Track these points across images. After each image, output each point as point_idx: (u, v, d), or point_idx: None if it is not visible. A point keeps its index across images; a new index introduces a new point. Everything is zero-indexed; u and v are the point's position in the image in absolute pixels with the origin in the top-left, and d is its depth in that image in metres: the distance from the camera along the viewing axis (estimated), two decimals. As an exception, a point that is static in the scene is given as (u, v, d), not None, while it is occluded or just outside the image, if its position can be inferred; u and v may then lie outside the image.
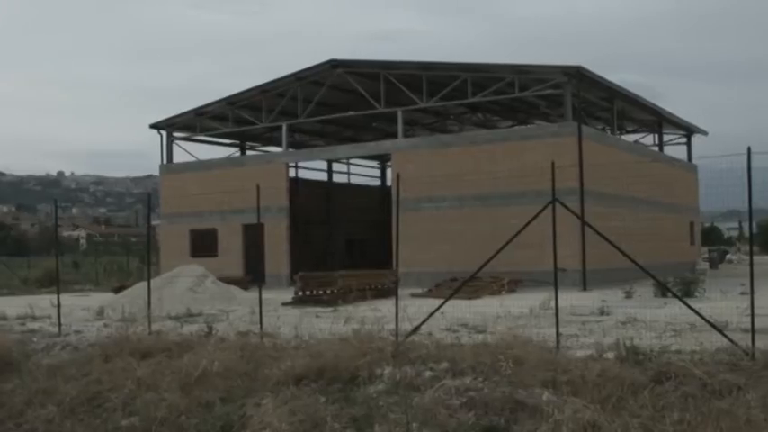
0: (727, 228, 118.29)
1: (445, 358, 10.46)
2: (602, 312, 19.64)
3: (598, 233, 13.26)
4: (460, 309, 19.21)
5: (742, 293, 21.82)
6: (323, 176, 52.92)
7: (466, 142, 36.19)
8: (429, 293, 27.11)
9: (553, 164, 13.29)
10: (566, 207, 12.90)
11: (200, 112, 42.66)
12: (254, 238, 37.69)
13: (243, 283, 31.94)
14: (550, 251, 13.35)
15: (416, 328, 12.82)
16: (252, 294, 25.32)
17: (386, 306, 18.97)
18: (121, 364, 11.86)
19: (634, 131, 49.19)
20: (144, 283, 20.59)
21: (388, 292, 25.77)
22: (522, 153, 32.28)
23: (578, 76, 33.08)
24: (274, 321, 16.60)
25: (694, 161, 48.91)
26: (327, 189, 52.39)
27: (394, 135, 38.39)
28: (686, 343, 12.34)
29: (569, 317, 18.24)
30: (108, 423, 9.88)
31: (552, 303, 13.49)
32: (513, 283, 29.44)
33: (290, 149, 42.36)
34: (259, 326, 15.06)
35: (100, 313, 22.61)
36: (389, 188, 45.45)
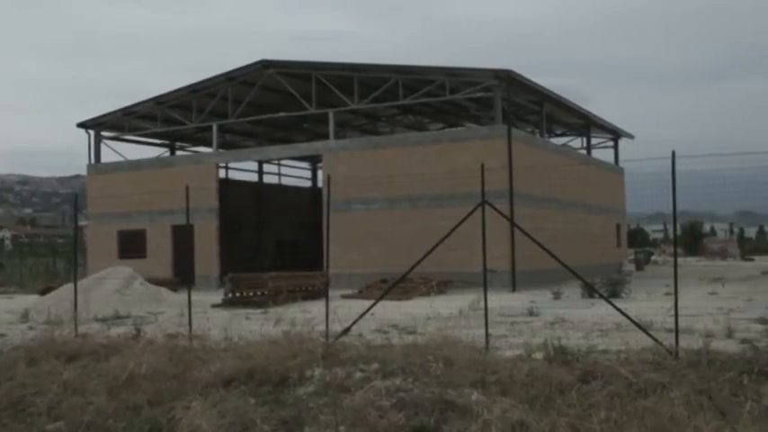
0: (653, 230, 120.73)
1: (375, 359, 10.47)
2: (530, 313, 19.86)
3: (527, 234, 13.39)
4: (391, 310, 19.27)
5: (666, 294, 22.26)
6: (254, 177, 52.61)
7: (397, 144, 36.31)
8: (360, 295, 27.13)
9: (483, 166, 13.38)
10: (495, 209, 13.01)
11: (128, 112, 42.10)
12: (183, 239, 37.29)
13: (172, 285, 31.60)
14: (480, 252, 13.44)
15: (347, 330, 12.82)
16: (181, 296, 25.03)
17: (316, 307, 18.92)
18: (47, 368, 11.63)
19: (563, 134, 49.83)
20: (71, 285, 20.26)
21: (319, 293, 25.73)
22: (453, 155, 32.46)
23: (508, 79, 33.40)
24: (204, 323, 16.46)
25: (621, 164, 49.77)
26: (258, 190, 52.10)
27: (325, 136, 38.33)
28: (612, 343, 12.54)
29: (499, 317, 18.41)
30: (33, 428, 9.68)
31: (482, 304, 13.59)
32: (444, 285, 29.61)
33: (221, 150, 42.08)
34: (188, 328, 14.92)
35: (25, 316, 22.20)
36: (320, 189, 45.35)
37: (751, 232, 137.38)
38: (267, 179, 53.93)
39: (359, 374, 9.92)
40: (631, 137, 51.09)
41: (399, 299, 24.61)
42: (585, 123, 46.05)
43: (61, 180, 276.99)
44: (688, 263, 58.78)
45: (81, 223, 41.67)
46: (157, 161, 43.58)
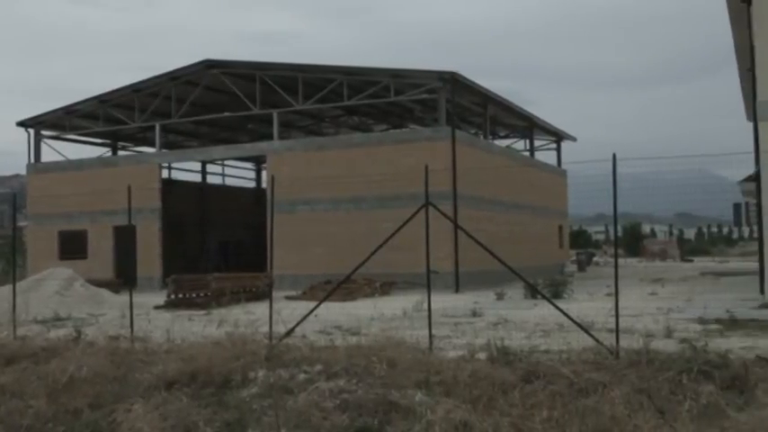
0: (595, 231, 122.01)
1: (319, 361, 10.44)
2: (474, 314, 19.96)
3: (470, 236, 13.46)
4: (335, 311, 19.24)
5: (607, 294, 22.51)
6: (197, 178, 52.22)
7: (342, 145, 36.31)
8: (303, 296, 27.07)
9: (427, 167, 13.44)
10: (438, 210, 13.05)
11: (69, 111, 41.55)
12: (125, 239, 36.89)
13: (113, 286, 31.24)
14: (424, 253, 13.49)
15: (290, 331, 12.77)
16: (123, 298, 24.78)
17: (260, 309, 18.83)
18: (-16, 371, 11.42)
19: (506, 136, 50.21)
20: (9, 287, 19.88)
21: (263, 294, 25.63)
22: (397, 156, 32.54)
23: (453, 81, 33.56)
24: (146, 325, 16.28)
25: (563, 166, 50.32)
26: (202, 190, 51.75)
27: (269, 137, 38.18)
28: (554, 343, 12.65)
29: (442, 318, 18.49)
30: (-31, 432, 9.51)
31: (425, 305, 13.63)
32: (388, 286, 29.65)
33: (164, 150, 41.69)
34: (130, 330, 14.76)
35: (-39, 318, 21.75)
36: (264, 190, 45.23)
37: (690, 234, 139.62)
38: (211, 180, 53.60)
39: (302, 376, 9.89)
40: (574, 139, 51.64)
41: (343, 300, 24.58)
42: (529, 126, 46.45)
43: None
44: (629, 264, 59.55)
45: (20, 224, 40.98)
46: (99, 161, 43.02)
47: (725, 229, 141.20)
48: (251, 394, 9.49)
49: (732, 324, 16.43)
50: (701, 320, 17.21)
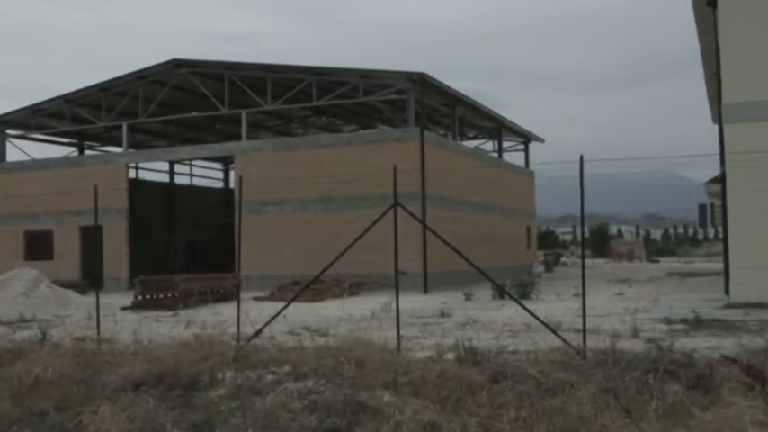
0: (562, 232, 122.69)
1: (287, 361, 10.41)
2: (442, 314, 20.01)
3: (438, 237, 13.48)
4: (303, 312, 19.23)
5: (575, 295, 22.67)
6: (165, 178, 51.96)
7: (310, 145, 36.26)
8: (272, 297, 26.99)
9: (395, 168, 13.44)
10: (407, 211, 13.06)
11: (35, 110, 41.16)
12: (92, 240, 36.66)
13: (80, 287, 30.98)
14: (393, 254, 13.49)
15: (258, 332, 12.73)
16: (89, 299, 24.59)
17: (228, 310, 18.76)
18: (-53, 373, 11.28)
19: (475, 137, 50.35)
20: (-27, 288, 19.71)
21: (231, 295, 25.54)
22: (366, 157, 32.54)
23: (422, 82, 33.61)
24: (113, 326, 16.18)
25: (531, 167, 50.54)
26: (169, 191, 51.49)
27: (238, 137, 38.06)
28: (522, 343, 12.71)
29: (411, 319, 18.51)
30: (-68, 436, 9.39)
31: (394, 306, 13.64)
32: (356, 286, 29.65)
33: (131, 150, 41.41)
34: (96, 331, 14.64)
35: (-76, 320, 21.50)
36: (233, 190, 45.03)
37: (656, 234, 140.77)
38: (179, 180, 53.35)
39: (270, 377, 9.86)
40: (541, 140, 51.89)
41: (312, 301, 24.57)
42: (497, 127, 46.62)
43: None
44: (596, 264, 59.94)
45: (-15, 224, 40.61)
46: (65, 161, 42.66)
47: (690, 230, 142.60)
48: (219, 395, 9.44)
49: (697, 324, 16.58)
50: (667, 320, 17.36)
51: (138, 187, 44.01)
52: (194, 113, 39.97)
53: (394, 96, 35.01)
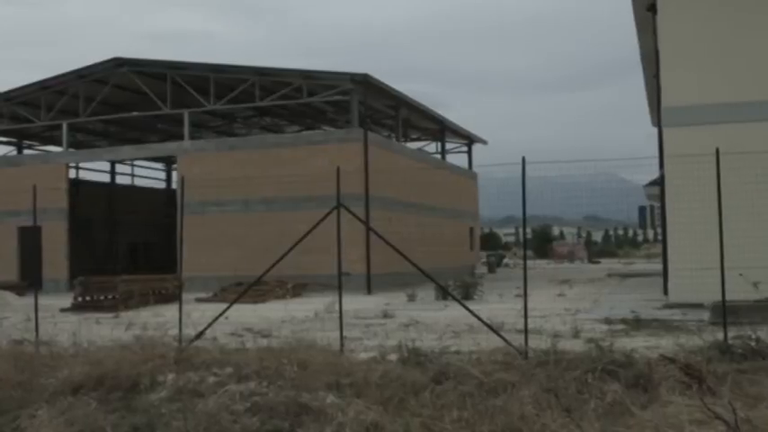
0: (505, 233, 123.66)
1: (230, 363, 10.36)
2: (385, 315, 20.04)
3: (381, 238, 13.52)
4: (246, 313, 19.13)
5: (517, 296, 22.84)
6: (106, 178, 51.35)
7: (253, 146, 36.12)
8: (214, 298, 26.81)
9: (338, 169, 13.45)
10: (350, 212, 13.07)
11: (-28, 108, 40.38)
12: (30, 241, 36.04)
13: (18, 289, 30.51)
14: (336, 255, 13.49)
15: (200, 334, 12.64)
16: (28, 300, 24.15)
17: (169, 311, 18.60)
18: None
19: (418, 139, 50.52)
20: None
21: (173, 296, 25.30)
22: (310, 158, 32.48)
23: (365, 83, 33.64)
24: (52, 328, 15.91)
25: (475, 169, 50.84)
26: (110, 191, 50.92)
27: (180, 137, 37.73)
28: (465, 344, 12.78)
29: (354, 320, 18.52)
30: None
31: (337, 307, 13.64)
32: (300, 287, 29.58)
33: (71, 149, 40.84)
34: (35, 333, 14.41)
35: None
36: (175, 191, 44.65)
37: (598, 236, 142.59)
38: (120, 180, 52.75)
39: (212, 379, 9.79)
40: (484, 142, 52.22)
41: (255, 302, 24.46)
42: (440, 128, 46.81)
43: None
44: (538, 265, 60.45)
45: None
46: (4, 160, 41.91)
47: (631, 232, 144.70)
48: (160, 398, 9.35)
49: (637, 324, 16.81)
50: (607, 321, 17.57)
51: (78, 187, 43.44)
52: (136, 113, 39.55)
53: (337, 97, 34.98)
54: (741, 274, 11.76)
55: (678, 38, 21.95)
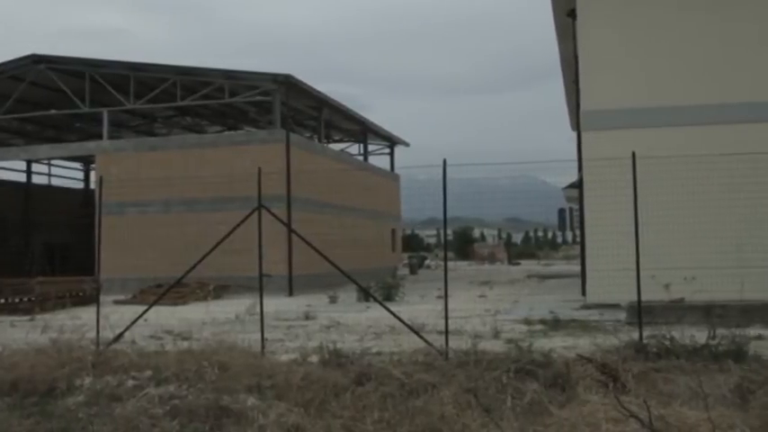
0: (427, 235, 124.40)
1: (149, 366, 10.24)
2: (307, 317, 20.01)
3: (303, 239, 13.49)
4: (166, 315, 18.92)
5: (438, 297, 22.99)
6: (22, 177, 50.27)
7: (174, 146, 35.70)
8: (133, 300, 26.47)
9: (260, 170, 13.39)
10: (271, 213, 13.03)
11: None
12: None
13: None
14: (257, 257, 13.43)
15: (118, 336, 12.47)
16: (-62, 303, 23.59)
17: (87, 314, 18.27)
18: None
19: (341, 140, 50.54)
20: None
21: (90, 299, 24.84)
22: (231, 158, 32.23)
23: (288, 83, 33.53)
24: (-36, 332, 15.55)
25: (397, 171, 51.02)
26: (26, 191, 49.86)
27: (99, 136, 37.11)
28: (386, 345, 12.84)
29: (275, 322, 18.47)
30: None
31: (258, 308, 13.58)
32: (221, 289, 29.36)
33: (-15, 148, 39.87)
34: (-55, 337, 14.05)
35: None
36: (93, 191, 43.91)
37: (518, 237, 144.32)
38: (37, 180, 51.67)
39: (131, 382, 9.67)
40: (407, 144, 52.44)
41: (175, 304, 24.21)
42: (363, 130, 46.89)
43: None
44: (459, 267, 60.92)
45: None
46: None
47: (550, 234, 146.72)
48: (77, 402, 9.20)
49: (555, 324, 17.07)
50: (527, 321, 17.81)
51: (-8, 187, 42.45)
52: (54, 111, 38.76)
53: (260, 98, 34.81)
54: (654, 276, 12.02)
55: (597, 43, 22.35)
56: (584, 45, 22.72)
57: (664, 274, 13.10)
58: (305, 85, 34.92)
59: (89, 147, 38.74)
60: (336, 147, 48.95)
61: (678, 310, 15.62)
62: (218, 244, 12.66)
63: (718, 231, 20.28)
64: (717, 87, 21.42)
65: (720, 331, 11.03)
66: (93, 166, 47.58)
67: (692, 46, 21.73)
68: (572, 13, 23.79)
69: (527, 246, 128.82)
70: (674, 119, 21.37)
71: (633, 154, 12.30)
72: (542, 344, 12.36)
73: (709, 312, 15.12)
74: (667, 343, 10.76)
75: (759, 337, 13.45)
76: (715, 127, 21.00)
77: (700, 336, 10.89)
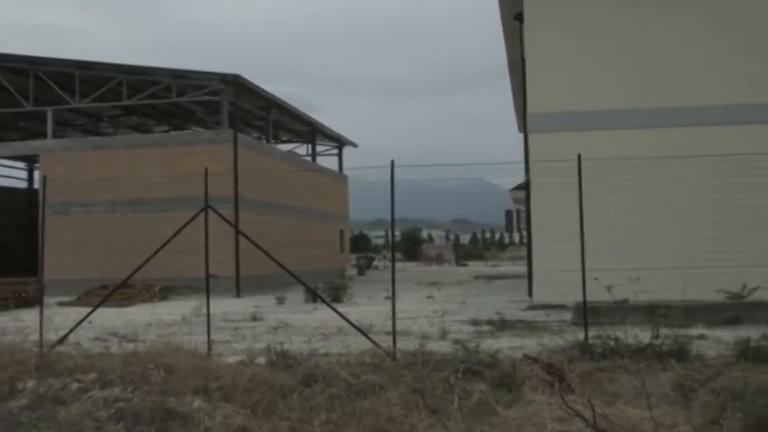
0: (375, 236, 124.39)
1: (93, 369, 10.12)
2: (254, 318, 19.94)
3: (250, 240, 13.44)
4: (111, 317, 18.73)
5: (386, 298, 23.01)
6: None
7: (120, 145, 35.33)
8: (78, 302, 26.17)
9: (206, 170, 13.32)
10: (218, 214, 12.97)
11: None
12: None
13: None
14: (204, 258, 13.35)
15: (62, 339, 12.33)
16: None
17: (30, 315, 18.03)
18: None
19: (289, 141, 50.43)
20: None
21: (34, 300, 24.52)
22: (178, 159, 31.96)
23: (236, 83, 33.37)
24: None
25: (345, 172, 51.02)
26: (-33, 191, 48.97)
27: (43, 135, 36.58)
28: (334, 346, 12.83)
29: (222, 323, 18.37)
30: None
31: (205, 310, 13.49)
32: (167, 290, 29.13)
33: (-75, 147, 39.11)
34: None
35: None
36: (37, 191, 43.30)
37: (465, 239, 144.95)
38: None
39: (75, 385, 9.55)
40: (355, 145, 52.48)
41: (120, 306, 23.98)
42: (311, 131, 46.84)
43: None
44: (407, 267, 61.07)
45: None
46: None
47: (498, 235, 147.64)
48: (19, 406, 9.06)
49: (502, 325, 17.19)
50: (474, 322, 17.91)
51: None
52: (-4, 109, 38.15)
53: (207, 97, 34.59)
54: (596, 278, 12.16)
55: (543, 46, 22.57)
56: (531, 48, 22.92)
57: (609, 275, 13.21)
58: (253, 85, 34.78)
59: (33, 146, 38.17)
60: (285, 147, 48.80)
61: (623, 311, 15.76)
62: (165, 245, 12.56)
63: (662, 232, 20.63)
64: (662, 91, 21.74)
65: (664, 331, 11.18)
66: (37, 165, 46.89)
67: (638, 49, 22.04)
68: (519, 17, 23.97)
69: (475, 247, 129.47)
70: (619, 121, 21.65)
71: (579, 156, 12.44)
72: (489, 344, 12.44)
73: (653, 313, 15.30)
74: (612, 343, 10.89)
75: (701, 337, 13.69)
76: (660, 130, 21.33)
77: (644, 336, 11.04)
